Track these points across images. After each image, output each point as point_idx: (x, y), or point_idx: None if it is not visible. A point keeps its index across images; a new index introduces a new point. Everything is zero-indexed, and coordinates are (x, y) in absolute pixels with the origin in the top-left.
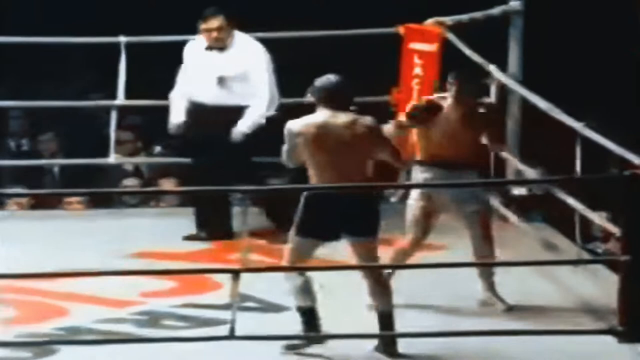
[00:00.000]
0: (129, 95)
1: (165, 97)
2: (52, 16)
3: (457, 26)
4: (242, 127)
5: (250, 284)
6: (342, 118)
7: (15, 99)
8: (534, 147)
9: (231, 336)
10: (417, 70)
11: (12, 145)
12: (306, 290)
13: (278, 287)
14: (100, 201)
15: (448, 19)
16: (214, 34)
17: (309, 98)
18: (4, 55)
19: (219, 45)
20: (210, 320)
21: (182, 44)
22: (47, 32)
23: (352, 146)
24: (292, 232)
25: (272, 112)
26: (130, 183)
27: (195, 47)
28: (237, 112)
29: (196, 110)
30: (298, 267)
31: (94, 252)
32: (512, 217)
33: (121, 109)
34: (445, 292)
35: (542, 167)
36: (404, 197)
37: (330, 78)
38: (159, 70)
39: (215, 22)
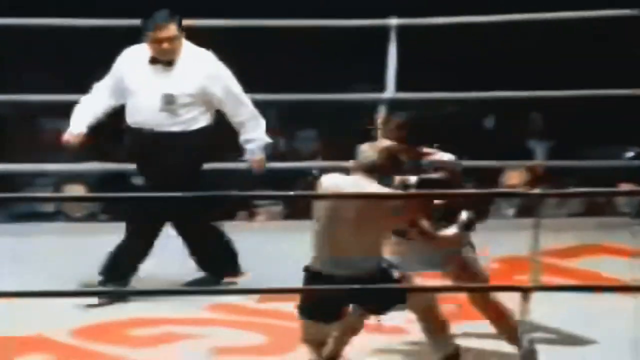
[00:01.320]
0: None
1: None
2: None
3: None
4: (259, 151)
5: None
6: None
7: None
8: None
9: None
10: None
11: None
12: None
13: (578, 315)
14: None
15: None
16: (165, 45)
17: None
18: None
19: (167, 58)
20: (492, 352)
21: None
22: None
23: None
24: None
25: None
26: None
27: (134, 58)
28: (183, 138)
29: (133, 136)
30: None
31: None
32: None
33: (392, 103)
34: None
35: None
36: None
37: None
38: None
39: (168, 31)
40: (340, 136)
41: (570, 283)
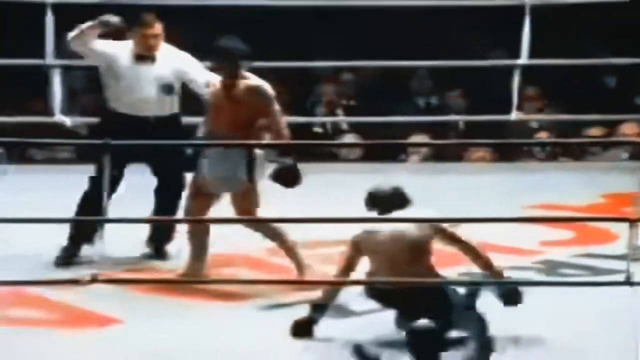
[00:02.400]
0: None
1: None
2: None
3: None
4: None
5: None
6: None
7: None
8: None
9: (628, 282)
10: None
11: (420, 102)
12: None
13: None
14: (506, 156)
15: None
16: (153, 41)
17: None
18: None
19: (153, 53)
20: (606, 270)
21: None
22: None
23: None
24: None
25: None
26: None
27: (121, 54)
28: (173, 120)
29: (124, 120)
30: None
31: (494, 203)
32: None
33: (525, 67)
34: None
35: None
36: None
37: None
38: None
39: (159, 28)
40: (483, 95)
41: None
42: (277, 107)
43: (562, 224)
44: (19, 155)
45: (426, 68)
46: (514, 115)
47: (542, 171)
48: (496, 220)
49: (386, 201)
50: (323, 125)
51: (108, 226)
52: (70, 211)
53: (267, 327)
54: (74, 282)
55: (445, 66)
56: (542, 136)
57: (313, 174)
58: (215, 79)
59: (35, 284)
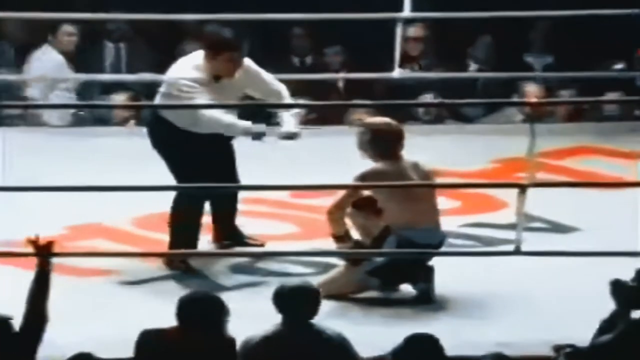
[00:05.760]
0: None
1: None
2: None
3: None
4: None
5: (536, 203)
6: None
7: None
8: None
9: (517, 252)
10: None
11: (295, 61)
12: None
13: (567, 207)
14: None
15: None
16: (238, 65)
17: None
18: None
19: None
20: (495, 239)
21: None
22: None
23: None
24: None
25: None
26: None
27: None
28: None
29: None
30: None
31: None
32: None
33: (407, 22)
34: None
35: None
36: None
37: None
38: None
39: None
40: (362, 51)
41: (563, 180)
42: None
43: (448, 192)
44: None
45: (303, 27)
46: (397, 72)
47: (426, 134)
48: (372, 186)
49: None
50: None
51: None
52: None
53: (138, 303)
54: None
55: (325, 19)
56: (427, 97)
57: None
58: None
59: None
